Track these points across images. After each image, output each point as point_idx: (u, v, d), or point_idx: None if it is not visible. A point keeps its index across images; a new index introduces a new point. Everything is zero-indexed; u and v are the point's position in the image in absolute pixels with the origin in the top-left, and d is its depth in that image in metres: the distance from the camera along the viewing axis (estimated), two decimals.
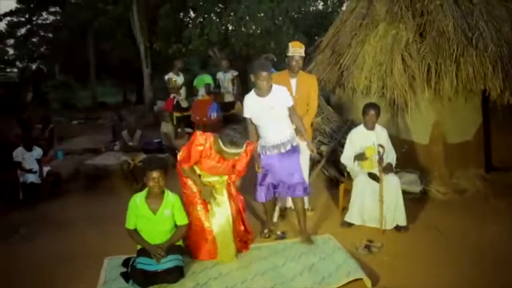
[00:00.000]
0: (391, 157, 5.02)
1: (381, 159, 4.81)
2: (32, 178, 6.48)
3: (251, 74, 4.26)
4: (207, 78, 8.47)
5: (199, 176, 4.11)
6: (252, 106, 4.33)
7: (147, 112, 12.66)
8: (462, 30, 5.78)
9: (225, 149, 3.86)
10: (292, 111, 4.38)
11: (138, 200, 3.82)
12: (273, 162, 4.39)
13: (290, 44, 4.91)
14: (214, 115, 8.39)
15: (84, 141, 9.62)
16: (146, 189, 3.87)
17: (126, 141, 7.13)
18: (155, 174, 3.74)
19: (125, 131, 7.27)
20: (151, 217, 3.79)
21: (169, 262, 3.72)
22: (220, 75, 9.53)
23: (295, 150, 4.42)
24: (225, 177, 4.22)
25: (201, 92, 8.59)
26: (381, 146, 4.87)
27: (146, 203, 3.79)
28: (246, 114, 4.40)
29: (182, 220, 3.90)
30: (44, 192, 6.57)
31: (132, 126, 7.24)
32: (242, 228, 4.30)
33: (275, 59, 9.41)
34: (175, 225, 3.90)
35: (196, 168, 4.10)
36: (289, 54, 4.85)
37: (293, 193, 4.44)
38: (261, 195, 4.54)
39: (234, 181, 4.31)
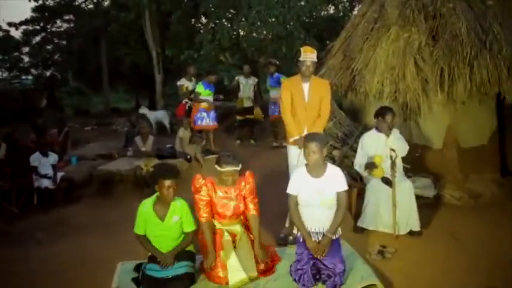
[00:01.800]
0: (402, 147, 4.91)
1: (393, 163, 4.76)
2: (46, 183, 6.55)
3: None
4: (197, 86, 8.53)
5: (220, 229, 3.92)
6: (301, 185, 3.74)
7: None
8: (475, 32, 5.72)
9: (221, 169, 3.74)
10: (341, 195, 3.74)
11: (146, 206, 3.78)
12: None
13: (302, 49, 4.85)
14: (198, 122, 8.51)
15: (97, 147, 9.69)
16: (154, 195, 3.81)
17: (139, 146, 7.18)
18: (168, 182, 3.65)
19: (138, 136, 7.32)
20: (159, 224, 3.76)
21: (179, 269, 3.68)
22: (242, 80, 9.56)
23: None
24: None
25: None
26: (392, 150, 4.82)
27: (154, 210, 3.75)
28: (292, 190, 3.78)
29: (189, 226, 3.85)
30: (58, 197, 6.65)
31: (145, 131, 7.29)
32: (263, 264, 3.92)
33: (277, 63, 9.41)
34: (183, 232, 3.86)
35: (216, 223, 3.94)
36: (301, 59, 4.78)
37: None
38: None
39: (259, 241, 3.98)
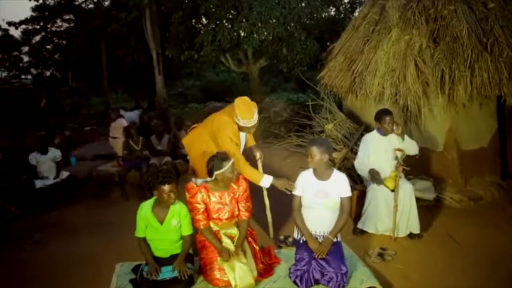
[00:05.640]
0: (413, 148, 4.92)
1: (398, 164, 4.74)
2: (39, 184, 6.49)
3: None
4: None
5: (217, 230, 3.92)
6: (306, 186, 3.84)
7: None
8: (477, 35, 5.72)
9: (219, 171, 3.76)
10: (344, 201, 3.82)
11: (145, 209, 3.75)
12: None
13: (240, 116, 4.23)
14: None
15: (96, 148, 9.68)
16: (153, 198, 3.77)
17: (155, 145, 7.35)
18: (168, 188, 3.61)
19: (154, 135, 7.49)
20: (159, 227, 3.73)
21: (178, 270, 3.66)
22: None
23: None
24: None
25: None
26: (398, 149, 4.81)
27: (153, 213, 3.72)
28: (297, 191, 3.89)
29: (187, 230, 3.79)
30: (58, 197, 6.61)
31: (159, 130, 7.41)
32: (262, 265, 3.94)
33: None
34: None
35: (212, 225, 3.93)
36: (245, 125, 4.31)
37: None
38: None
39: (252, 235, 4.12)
